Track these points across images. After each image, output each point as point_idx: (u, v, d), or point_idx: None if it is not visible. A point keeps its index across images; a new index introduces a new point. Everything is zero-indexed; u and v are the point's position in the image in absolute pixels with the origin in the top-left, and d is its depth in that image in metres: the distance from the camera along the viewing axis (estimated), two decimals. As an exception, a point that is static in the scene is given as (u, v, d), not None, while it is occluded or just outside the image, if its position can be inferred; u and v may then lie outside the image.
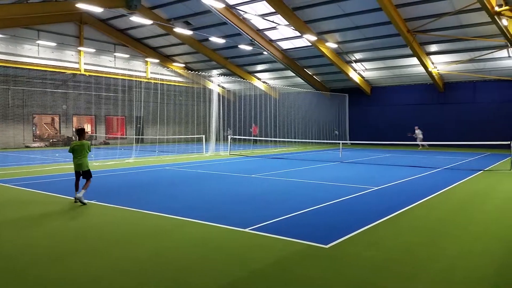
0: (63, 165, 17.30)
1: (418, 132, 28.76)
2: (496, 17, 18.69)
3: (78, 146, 9.29)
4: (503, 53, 25.52)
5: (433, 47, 26.74)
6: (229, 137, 25.94)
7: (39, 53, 29.33)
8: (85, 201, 9.07)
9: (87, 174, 9.46)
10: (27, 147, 28.52)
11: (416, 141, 28.17)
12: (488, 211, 8.84)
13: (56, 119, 32.43)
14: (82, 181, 9.48)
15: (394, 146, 30.16)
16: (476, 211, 8.85)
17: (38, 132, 31.80)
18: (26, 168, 16.23)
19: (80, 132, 9.49)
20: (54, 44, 29.35)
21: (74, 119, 32.88)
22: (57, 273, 5.12)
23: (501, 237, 6.84)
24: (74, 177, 9.51)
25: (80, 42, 31.08)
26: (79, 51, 31.08)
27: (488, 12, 18.45)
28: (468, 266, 5.38)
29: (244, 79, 35.90)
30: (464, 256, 5.81)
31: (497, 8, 18.47)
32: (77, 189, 9.28)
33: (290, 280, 4.91)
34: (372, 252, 5.94)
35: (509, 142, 16.03)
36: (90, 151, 9.47)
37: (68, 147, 9.68)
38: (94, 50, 31.56)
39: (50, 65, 29.57)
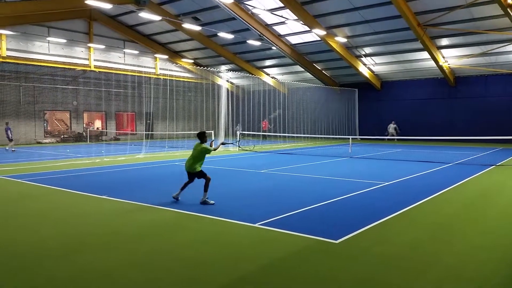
0: (74, 161, 17.48)
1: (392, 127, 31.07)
2: (509, 9, 18.39)
3: (194, 148, 9.00)
4: (516, 46, 25.13)
5: (444, 41, 26.41)
6: (238, 132, 25.96)
7: (49, 49, 29.57)
8: (211, 201, 8.70)
9: (199, 175, 8.92)
10: (39, 143, 28.84)
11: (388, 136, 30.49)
12: (499, 206, 8.75)
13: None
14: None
15: (404, 141, 29.92)
16: (487, 207, 8.77)
17: (49, 128, 32.13)
18: (38, 163, 16.42)
19: (198, 135, 9.10)
20: (64, 40, 29.56)
21: (85, 115, 33.16)
22: (68, 268, 5.19)
23: (511, 232, 6.78)
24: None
25: (89, 38, 31.26)
26: (89, 47, 31.26)
27: (501, 4, 18.16)
28: (477, 262, 5.34)
29: (252, 74, 35.84)
30: (474, 251, 5.77)
31: (510, 1, 18.16)
32: (182, 188, 8.98)
33: (300, 275, 4.92)
34: (382, 248, 5.92)
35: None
36: (202, 155, 8.86)
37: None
38: (103, 47, 31.73)
39: (60, 61, 29.79)
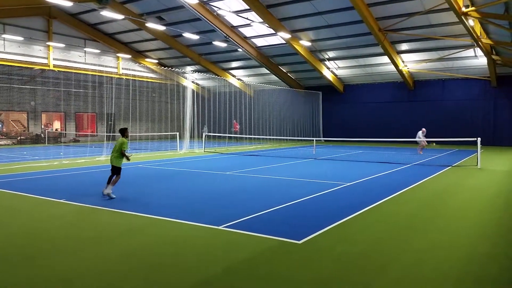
0: (31, 163, 16.78)
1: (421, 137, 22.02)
2: (463, 17, 19.23)
3: (116, 143, 9.82)
4: (470, 52, 26.32)
5: (404, 46, 27.32)
6: (204, 134, 25.78)
7: (5, 47, 28.27)
8: (113, 195, 9.32)
9: (114, 171, 9.63)
10: (-7, 145, 27.52)
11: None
12: (455, 206, 9.11)
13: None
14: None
15: (366, 143, 30.69)
16: (444, 206, 9.11)
17: (4, 129, 30.72)
18: (-8, 166, 15.66)
19: (120, 131, 9.98)
20: (21, 38, 28.36)
21: (43, 116, 31.93)
22: (21, 275, 4.97)
23: (467, 231, 7.08)
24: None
25: (49, 36, 30.13)
26: (48, 46, 30.15)
27: (456, 12, 18.95)
28: (435, 260, 5.53)
29: (218, 76, 35.71)
30: (431, 249, 5.98)
31: (464, 9, 19.00)
32: (108, 183, 9.55)
33: (263, 276, 4.94)
34: (344, 247, 6.03)
35: (475, 139, 16.56)
36: (123, 149, 9.55)
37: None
38: (63, 45, 30.68)
39: (17, 60, 28.56)
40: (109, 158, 9.78)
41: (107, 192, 9.33)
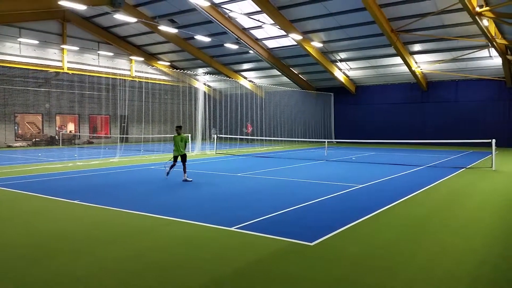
0: (45, 165, 17.04)
1: None
2: (477, 17, 19.01)
3: (182, 138, 12.58)
4: (484, 52, 25.97)
5: (417, 47, 27.08)
6: (214, 136, 25.89)
7: (20, 51, 28.80)
8: (190, 179, 12.36)
9: (184, 158, 12.60)
10: (9, 146, 28.00)
11: None
12: (469, 208, 9.01)
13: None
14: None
15: (378, 145, 30.47)
16: (457, 208, 9.01)
17: (20, 131, 31.25)
18: (8, 168, 15.94)
19: (179, 127, 12.78)
20: (36, 42, 28.85)
21: (57, 118, 32.40)
22: (38, 274, 5.06)
23: (481, 233, 6.99)
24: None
25: (63, 40, 30.61)
26: (62, 49, 30.61)
27: (470, 12, 18.75)
28: (448, 263, 5.48)
29: (230, 78, 35.83)
30: (444, 252, 5.92)
31: (478, 9, 18.78)
32: (185, 171, 12.45)
33: (274, 277, 4.94)
34: (356, 249, 6.01)
35: (490, 140, 16.31)
36: (187, 142, 12.80)
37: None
38: (77, 48, 31.13)
39: (32, 63, 29.06)
40: (179, 150, 12.44)
41: (185, 179, 12.25)
